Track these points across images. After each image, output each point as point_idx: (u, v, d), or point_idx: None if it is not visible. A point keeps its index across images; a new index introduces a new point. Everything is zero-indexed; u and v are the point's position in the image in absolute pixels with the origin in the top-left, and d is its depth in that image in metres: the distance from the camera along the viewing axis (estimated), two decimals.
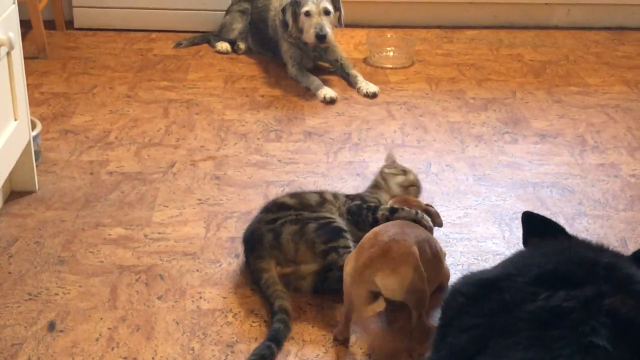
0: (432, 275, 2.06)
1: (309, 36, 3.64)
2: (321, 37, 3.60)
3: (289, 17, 3.69)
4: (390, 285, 1.95)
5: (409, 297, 1.98)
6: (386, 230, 2.03)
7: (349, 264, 1.99)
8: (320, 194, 2.41)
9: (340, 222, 2.28)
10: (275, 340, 1.98)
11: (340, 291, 2.04)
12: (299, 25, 3.69)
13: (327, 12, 3.63)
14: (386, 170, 2.50)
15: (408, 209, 2.26)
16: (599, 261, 1.48)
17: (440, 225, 2.32)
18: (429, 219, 2.27)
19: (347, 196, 2.43)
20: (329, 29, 3.62)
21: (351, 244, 2.18)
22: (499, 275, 1.51)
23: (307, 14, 3.62)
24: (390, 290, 1.97)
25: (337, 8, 3.71)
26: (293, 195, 2.40)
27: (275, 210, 2.31)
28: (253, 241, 2.25)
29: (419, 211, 2.27)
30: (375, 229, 2.08)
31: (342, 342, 2.02)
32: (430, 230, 2.24)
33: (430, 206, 2.35)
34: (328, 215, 2.29)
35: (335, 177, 2.85)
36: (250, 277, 2.23)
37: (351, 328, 2.04)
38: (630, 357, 1.30)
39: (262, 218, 2.30)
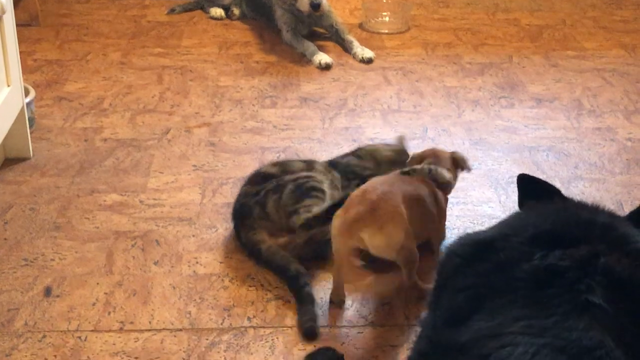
0: (419, 231, 2.05)
1: (304, 4, 3.60)
2: (315, 6, 3.57)
3: None
4: (377, 242, 1.94)
5: (397, 255, 1.97)
6: (374, 189, 2.01)
7: (337, 219, 1.97)
8: (308, 162, 2.37)
9: (318, 180, 2.24)
10: (313, 302, 1.99)
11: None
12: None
13: None
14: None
15: (420, 168, 2.19)
16: (595, 221, 1.48)
17: (469, 169, 2.28)
18: (443, 174, 2.20)
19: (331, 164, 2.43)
20: None
21: (318, 202, 2.16)
22: (494, 236, 1.51)
23: None
24: (377, 248, 1.95)
25: None
26: (276, 163, 2.38)
27: (260, 181, 2.29)
28: (243, 215, 2.23)
29: (432, 167, 2.20)
30: (364, 186, 2.05)
31: (337, 304, 2.03)
32: (445, 186, 2.20)
33: (456, 153, 2.30)
34: (307, 174, 2.26)
35: (331, 143, 2.84)
36: (245, 250, 2.21)
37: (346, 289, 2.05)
38: (626, 315, 1.30)
39: (247, 191, 2.28)
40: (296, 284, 2.04)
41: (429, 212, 2.12)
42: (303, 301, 1.99)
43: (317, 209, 2.13)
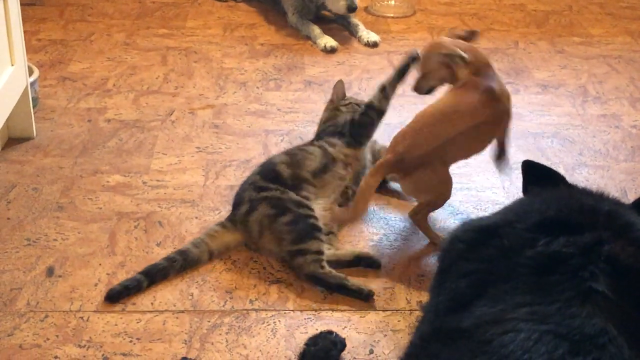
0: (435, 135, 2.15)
1: (340, 7, 3.58)
2: (353, 10, 3.55)
3: None
4: (404, 188, 2.22)
5: (423, 198, 2.20)
6: (404, 138, 2.13)
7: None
8: (325, 152, 2.29)
9: (317, 220, 2.13)
10: (148, 274, 2.01)
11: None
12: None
13: None
14: (343, 109, 2.50)
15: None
16: (600, 208, 1.48)
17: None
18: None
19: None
20: (357, 1, 3.59)
21: (323, 247, 2.08)
22: (498, 222, 1.51)
23: None
24: (405, 192, 2.26)
25: None
26: (291, 164, 2.23)
27: (269, 178, 2.19)
28: (236, 204, 2.20)
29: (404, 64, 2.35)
30: (402, 130, 2.16)
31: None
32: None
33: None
34: (309, 206, 2.15)
35: None
36: None
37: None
38: (629, 303, 1.30)
39: (255, 181, 2.20)
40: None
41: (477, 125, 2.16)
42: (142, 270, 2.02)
43: (328, 271, 2.04)
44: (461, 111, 2.14)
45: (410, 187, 2.19)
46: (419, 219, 2.22)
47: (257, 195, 2.16)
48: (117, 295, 1.96)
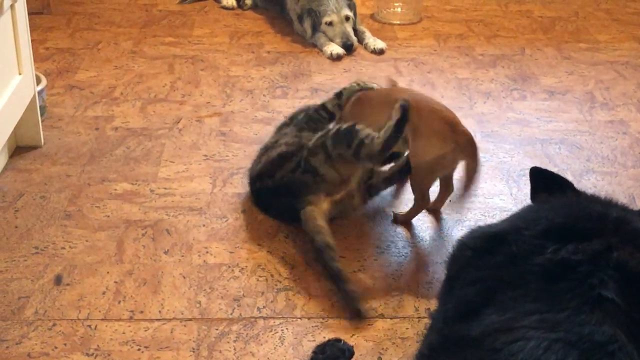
0: None
1: (336, 44, 3.60)
2: (349, 47, 3.55)
3: (307, 27, 3.64)
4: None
5: None
6: (435, 104, 2.28)
7: (439, 144, 2.17)
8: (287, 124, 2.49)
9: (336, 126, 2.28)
10: (338, 278, 2.01)
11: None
12: (318, 31, 3.64)
13: (347, 19, 3.61)
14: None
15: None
16: (608, 215, 1.48)
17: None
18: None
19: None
20: (354, 38, 3.59)
21: (368, 129, 2.17)
22: (506, 229, 1.51)
23: (330, 24, 3.59)
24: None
25: (353, 10, 3.68)
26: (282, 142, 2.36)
27: (282, 161, 2.29)
28: (292, 190, 2.23)
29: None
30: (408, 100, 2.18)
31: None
32: None
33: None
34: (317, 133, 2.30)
35: None
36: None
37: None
38: (638, 309, 1.29)
39: (283, 173, 2.27)
40: (320, 257, 2.06)
41: None
42: (330, 277, 2.02)
43: (385, 128, 2.14)
44: None
45: None
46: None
47: (301, 166, 2.23)
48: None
